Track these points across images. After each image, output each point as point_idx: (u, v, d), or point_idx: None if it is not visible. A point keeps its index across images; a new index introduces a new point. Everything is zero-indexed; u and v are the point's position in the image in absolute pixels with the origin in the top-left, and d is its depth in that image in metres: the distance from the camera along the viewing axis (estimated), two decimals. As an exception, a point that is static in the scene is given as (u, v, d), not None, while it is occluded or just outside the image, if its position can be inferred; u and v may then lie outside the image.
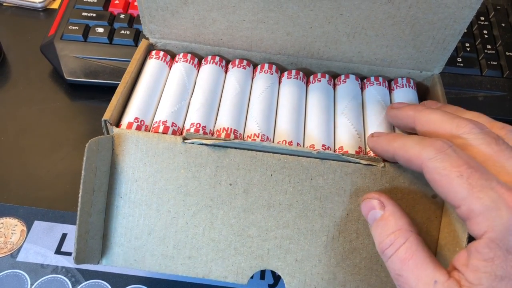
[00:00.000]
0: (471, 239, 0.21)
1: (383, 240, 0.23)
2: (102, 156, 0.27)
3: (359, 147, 0.29)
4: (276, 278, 0.33)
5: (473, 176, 0.20)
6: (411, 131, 0.27)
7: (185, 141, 0.27)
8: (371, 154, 0.29)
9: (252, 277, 0.32)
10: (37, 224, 0.34)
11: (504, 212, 0.20)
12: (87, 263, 0.27)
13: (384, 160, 0.27)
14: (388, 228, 0.24)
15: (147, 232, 0.28)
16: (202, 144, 0.27)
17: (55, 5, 0.51)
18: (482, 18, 0.47)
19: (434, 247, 0.27)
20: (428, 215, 0.27)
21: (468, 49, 0.45)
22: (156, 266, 0.28)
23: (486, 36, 0.46)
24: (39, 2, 0.50)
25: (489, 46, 0.45)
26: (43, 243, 0.33)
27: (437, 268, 0.21)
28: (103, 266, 0.32)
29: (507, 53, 0.44)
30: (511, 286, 0.19)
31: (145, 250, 0.28)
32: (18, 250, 0.33)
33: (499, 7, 0.48)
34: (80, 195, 0.25)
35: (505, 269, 0.19)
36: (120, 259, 0.28)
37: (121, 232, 0.28)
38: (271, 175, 0.27)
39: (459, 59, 0.44)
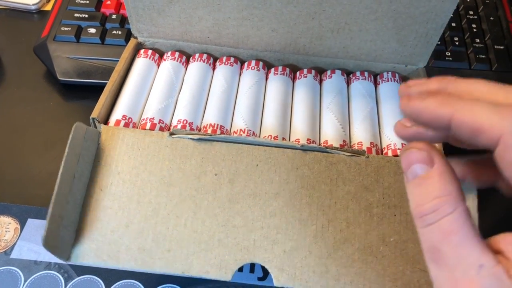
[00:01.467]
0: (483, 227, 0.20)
1: (424, 203, 0.19)
2: (87, 146, 0.27)
3: (344, 141, 0.30)
4: (266, 271, 0.33)
5: None
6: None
7: (171, 136, 0.28)
8: (355, 147, 0.30)
9: (241, 270, 0.32)
10: (30, 222, 0.35)
11: None
12: (55, 253, 0.25)
13: (368, 152, 0.28)
14: (434, 190, 0.19)
15: (124, 224, 0.26)
16: (188, 138, 0.27)
17: (48, 7, 0.52)
18: (471, 12, 0.47)
19: None
20: None
21: (457, 43, 0.45)
22: (131, 262, 0.26)
23: (475, 30, 0.46)
24: (33, 4, 0.51)
25: (477, 40, 0.45)
26: (36, 241, 0.34)
27: (485, 249, 0.18)
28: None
29: (495, 47, 0.44)
30: None
31: (120, 244, 0.26)
32: (12, 247, 0.33)
33: (488, 1, 0.48)
34: (60, 173, 0.24)
35: None
36: (91, 255, 0.26)
37: (96, 226, 0.26)
38: (257, 165, 0.27)
39: (448, 53, 0.44)
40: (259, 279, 0.33)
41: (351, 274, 0.26)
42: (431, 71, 0.43)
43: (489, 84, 0.19)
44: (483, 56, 0.44)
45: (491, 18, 0.46)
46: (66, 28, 0.44)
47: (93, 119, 0.28)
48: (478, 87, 0.20)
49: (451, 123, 0.19)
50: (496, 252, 0.18)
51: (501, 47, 0.44)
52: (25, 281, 0.32)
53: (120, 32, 0.44)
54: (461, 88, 0.20)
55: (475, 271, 0.17)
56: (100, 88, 0.43)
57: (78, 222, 0.26)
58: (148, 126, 0.29)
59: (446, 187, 0.19)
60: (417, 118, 0.21)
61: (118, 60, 0.43)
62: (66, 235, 0.26)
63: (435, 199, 0.19)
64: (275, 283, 0.26)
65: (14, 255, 0.33)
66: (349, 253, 0.26)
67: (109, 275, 0.32)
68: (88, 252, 0.26)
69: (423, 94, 0.21)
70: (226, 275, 0.25)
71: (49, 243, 0.24)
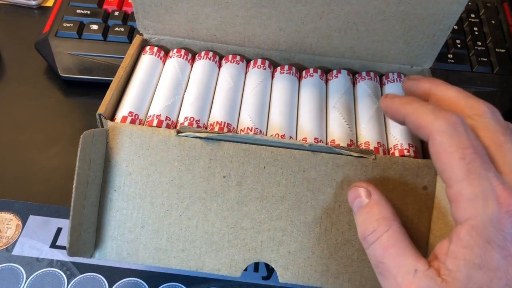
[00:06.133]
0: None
1: (366, 226, 0.24)
2: (97, 149, 0.27)
3: (351, 140, 0.30)
4: (270, 270, 0.33)
5: (474, 162, 0.21)
6: None
7: (179, 134, 0.27)
8: (362, 147, 0.30)
9: (246, 270, 0.32)
10: (32, 219, 0.34)
11: (491, 204, 0.20)
12: (80, 256, 0.27)
13: (375, 152, 0.28)
14: (372, 215, 0.24)
15: (140, 225, 0.28)
16: (195, 137, 0.27)
17: (49, 3, 0.51)
18: (473, 15, 0.48)
19: (425, 239, 0.27)
20: (419, 206, 0.28)
21: (459, 45, 0.45)
22: (149, 259, 0.28)
23: (476, 33, 0.46)
24: (34, 0, 0.50)
25: (479, 43, 0.45)
26: (38, 237, 0.33)
27: (418, 257, 0.22)
28: (98, 260, 0.33)
29: (497, 50, 0.45)
30: (488, 275, 0.20)
31: (138, 243, 0.28)
32: (14, 244, 0.33)
33: (489, 5, 0.49)
34: (74, 186, 0.25)
35: (483, 258, 0.20)
36: (113, 252, 0.28)
37: (114, 225, 0.28)
38: (264, 168, 0.27)
39: (450, 56, 0.44)
40: (263, 278, 0.33)
41: (349, 273, 0.28)
42: (433, 73, 0.43)
43: (459, 93, 0.25)
44: (485, 59, 0.44)
45: (492, 22, 0.47)
46: (68, 24, 0.44)
47: (100, 115, 0.28)
48: (450, 93, 0.25)
49: (404, 119, 0.25)
50: (434, 258, 0.22)
51: (502, 50, 0.45)
52: (27, 278, 0.31)
53: (122, 29, 0.44)
54: (439, 92, 0.26)
55: (412, 275, 0.21)
56: (101, 85, 0.43)
57: (97, 221, 0.28)
58: (155, 123, 0.29)
59: (381, 211, 0.24)
60: (386, 112, 0.27)
61: (120, 57, 0.43)
62: (87, 237, 0.27)
63: (374, 221, 0.24)
64: (280, 280, 0.28)
65: (15, 252, 0.33)
66: (349, 253, 0.28)
67: (112, 273, 0.32)
68: (110, 250, 0.28)
69: (396, 96, 0.27)
70: (236, 273, 0.28)
71: (73, 250, 0.26)
